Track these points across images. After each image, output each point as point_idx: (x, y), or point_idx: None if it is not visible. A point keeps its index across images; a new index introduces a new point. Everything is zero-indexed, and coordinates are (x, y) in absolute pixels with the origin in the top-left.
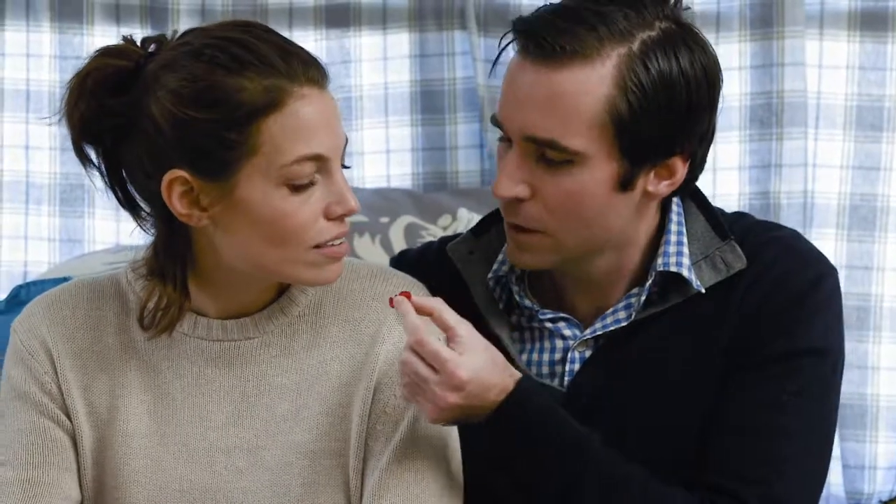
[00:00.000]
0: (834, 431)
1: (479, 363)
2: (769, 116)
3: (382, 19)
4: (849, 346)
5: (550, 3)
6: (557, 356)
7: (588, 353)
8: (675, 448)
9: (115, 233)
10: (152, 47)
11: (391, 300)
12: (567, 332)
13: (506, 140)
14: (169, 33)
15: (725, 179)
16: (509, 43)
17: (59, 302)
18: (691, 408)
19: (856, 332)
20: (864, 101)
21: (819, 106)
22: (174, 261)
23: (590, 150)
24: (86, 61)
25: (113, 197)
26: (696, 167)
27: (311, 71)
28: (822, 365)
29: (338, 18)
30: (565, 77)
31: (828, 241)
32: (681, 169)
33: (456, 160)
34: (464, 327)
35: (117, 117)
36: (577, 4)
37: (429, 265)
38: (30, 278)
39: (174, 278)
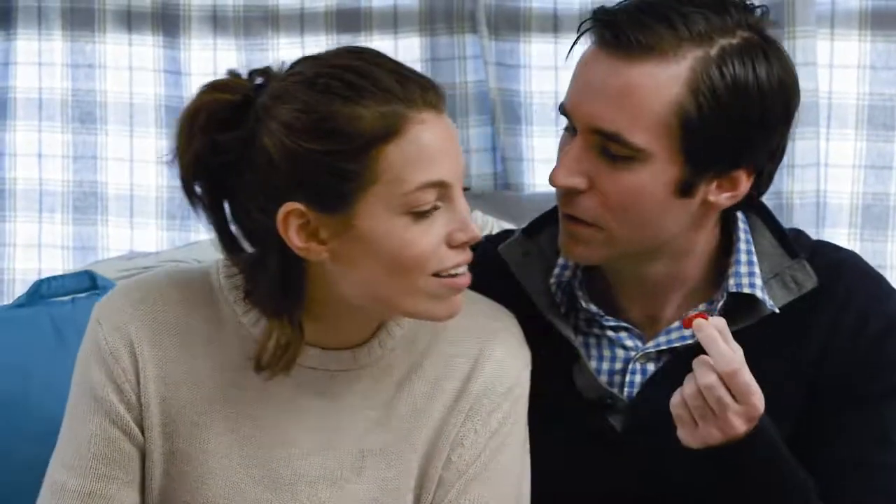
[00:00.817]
0: None
1: (761, 392)
2: None
3: (393, 23)
4: None
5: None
6: (618, 366)
7: (650, 367)
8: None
9: (128, 240)
10: (259, 80)
11: (685, 321)
12: (629, 343)
13: (570, 129)
14: (275, 65)
15: None
16: (586, 30)
17: (149, 297)
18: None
19: None
20: (875, 100)
21: (831, 105)
22: (290, 298)
23: (653, 148)
24: (194, 98)
25: (216, 236)
26: (762, 183)
27: (428, 95)
28: None
29: (349, 23)
30: (639, 71)
31: (840, 241)
32: (744, 182)
33: (469, 163)
34: (741, 354)
35: (229, 153)
36: (660, 2)
37: (480, 265)
38: None
39: (291, 316)
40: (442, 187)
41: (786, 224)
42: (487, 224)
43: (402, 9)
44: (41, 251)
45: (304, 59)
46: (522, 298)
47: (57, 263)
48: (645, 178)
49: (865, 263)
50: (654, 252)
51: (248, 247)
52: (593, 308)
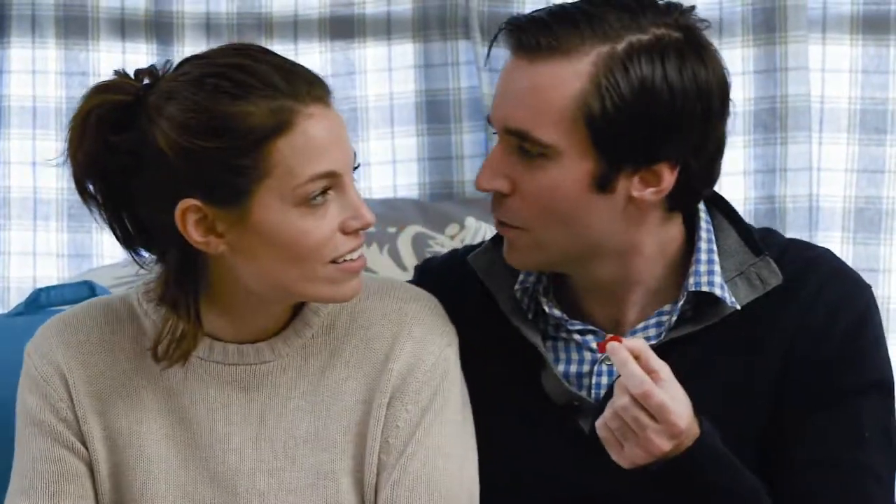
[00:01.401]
0: None
1: (687, 411)
2: (773, 121)
3: (387, 30)
4: None
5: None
6: (585, 368)
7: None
8: None
9: (122, 247)
10: (146, 80)
11: (600, 346)
12: (595, 345)
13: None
14: (159, 63)
15: (730, 184)
16: (495, 37)
17: (74, 325)
18: (731, 432)
19: None
20: (867, 104)
21: (823, 110)
22: (187, 291)
23: (561, 144)
24: (83, 100)
25: (112, 233)
26: (696, 179)
27: (315, 89)
28: (888, 397)
29: (342, 30)
30: (542, 70)
31: (833, 245)
32: (668, 177)
33: (462, 169)
34: (666, 371)
35: (123, 154)
36: (572, 5)
37: (454, 273)
38: None
39: (187, 308)
40: (333, 177)
41: (779, 229)
42: (480, 230)
43: (395, 15)
44: (36, 259)
45: (190, 59)
46: (492, 306)
47: (52, 271)
48: (558, 175)
49: (838, 261)
50: (594, 252)
51: (143, 244)
52: (557, 313)
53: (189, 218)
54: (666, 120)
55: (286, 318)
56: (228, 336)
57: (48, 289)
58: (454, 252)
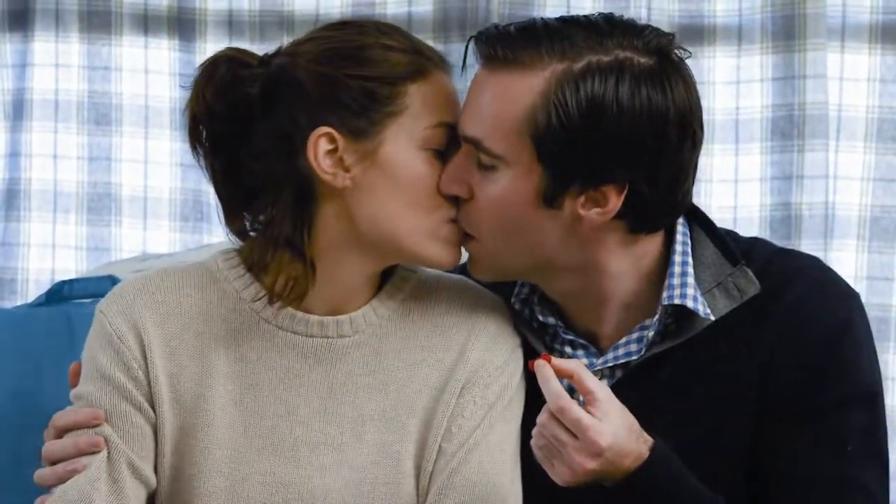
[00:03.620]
0: (889, 470)
1: (617, 430)
2: (791, 128)
3: (408, 30)
4: None
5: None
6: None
7: (604, 383)
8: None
9: (141, 241)
10: (274, 52)
11: (531, 363)
12: (584, 361)
13: None
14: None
15: (747, 191)
16: (466, 47)
17: (151, 287)
18: (717, 445)
19: (876, 343)
20: (885, 113)
21: (840, 118)
22: (303, 228)
23: (510, 156)
24: (213, 55)
25: (215, 187)
26: (653, 206)
27: (445, 61)
28: (875, 407)
29: None
30: (499, 80)
31: (849, 253)
32: (614, 199)
33: None
34: (603, 391)
35: (253, 89)
36: (542, 21)
37: None
38: None
39: (303, 249)
40: (453, 133)
41: (794, 236)
42: None
43: (416, 16)
44: (55, 251)
45: (325, 24)
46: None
47: (70, 264)
48: (507, 186)
49: (824, 271)
50: (550, 267)
51: (247, 202)
52: (551, 320)
53: (321, 147)
54: (612, 142)
55: (368, 295)
56: (311, 308)
57: (71, 281)
58: (463, 266)
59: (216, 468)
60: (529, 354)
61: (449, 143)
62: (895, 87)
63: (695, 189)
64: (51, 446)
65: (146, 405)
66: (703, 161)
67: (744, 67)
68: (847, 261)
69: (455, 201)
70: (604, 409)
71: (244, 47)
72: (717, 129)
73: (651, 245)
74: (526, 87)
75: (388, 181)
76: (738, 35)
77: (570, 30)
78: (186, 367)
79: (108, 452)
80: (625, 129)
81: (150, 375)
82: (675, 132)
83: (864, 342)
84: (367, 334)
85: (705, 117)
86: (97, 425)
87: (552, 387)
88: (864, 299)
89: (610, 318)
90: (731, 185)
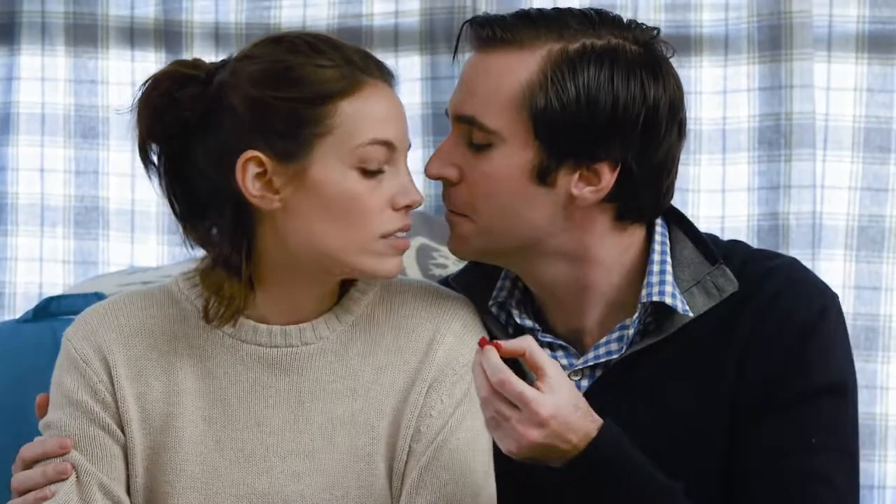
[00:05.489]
0: (858, 468)
1: (561, 402)
2: (777, 138)
3: (394, 42)
4: (858, 366)
5: None
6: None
7: (584, 383)
8: (680, 481)
9: (128, 255)
10: (221, 63)
11: (481, 342)
12: (563, 362)
13: None
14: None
15: (734, 201)
16: (459, 34)
17: (114, 310)
18: (696, 443)
19: (864, 352)
20: (871, 122)
21: (827, 128)
22: (239, 249)
23: (506, 132)
24: (158, 70)
25: (169, 202)
26: (641, 187)
27: (382, 70)
28: (842, 403)
29: (350, 41)
30: (494, 59)
31: (836, 262)
32: (607, 176)
33: None
34: (553, 368)
35: (187, 109)
36: (537, 8)
37: None
38: None
39: (239, 268)
40: (390, 148)
41: (782, 246)
42: None
43: (402, 27)
44: (42, 265)
45: (264, 38)
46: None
47: (58, 278)
48: (501, 162)
49: (801, 271)
50: (538, 249)
51: (198, 216)
52: (528, 322)
53: (249, 170)
54: (607, 121)
55: (328, 305)
56: (272, 318)
57: (58, 297)
58: (444, 281)
59: (190, 484)
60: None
61: (384, 160)
62: (882, 96)
63: (682, 199)
64: (20, 477)
65: (114, 427)
66: (691, 171)
67: (730, 77)
68: (835, 270)
69: (398, 212)
70: (552, 384)
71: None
72: (704, 138)
73: (634, 239)
74: (523, 65)
75: (317, 202)
76: (724, 45)
77: (564, 16)
78: (153, 386)
79: (78, 476)
80: (619, 109)
81: (118, 397)
82: (666, 117)
83: (836, 338)
84: (332, 340)
85: (692, 127)
86: (65, 453)
87: (492, 362)
88: (851, 309)
89: (592, 314)
90: (718, 195)
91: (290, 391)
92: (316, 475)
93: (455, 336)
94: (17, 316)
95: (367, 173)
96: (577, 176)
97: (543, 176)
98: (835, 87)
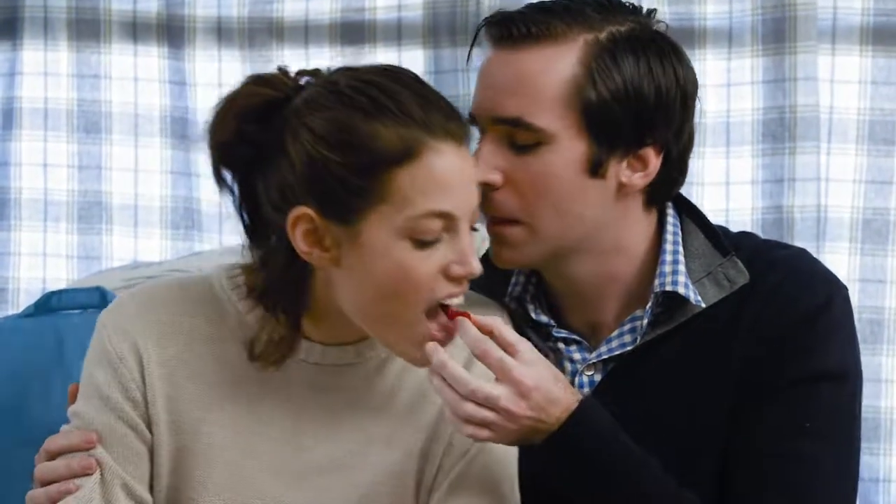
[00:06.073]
0: (858, 458)
1: (542, 374)
2: (782, 131)
3: (397, 36)
4: (863, 359)
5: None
6: (567, 380)
7: (597, 377)
8: (690, 473)
9: (132, 249)
10: (304, 80)
11: (451, 312)
12: (577, 356)
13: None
14: (325, 69)
15: (738, 194)
16: (476, 34)
17: (153, 304)
18: (706, 432)
19: (869, 345)
20: (876, 115)
21: (831, 120)
22: (289, 298)
23: (556, 128)
24: (237, 86)
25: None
26: (674, 167)
27: (450, 125)
28: (841, 390)
29: (353, 35)
30: (532, 56)
31: (841, 255)
32: (653, 161)
33: None
34: (524, 344)
35: (253, 146)
36: (551, 1)
37: None
38: None
39: (287, 315)
40: (448, 219)
41: (786, 239)
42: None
43: (405, 21)
44: (46, 260)
45: (344, 69)
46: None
47: (61, 273)
48: (553, 161)
49: (809, 262)
50: (580, 246)
51: (262, 240)
52: (543, 318)
53: (300, 226)
54: (653, 104)
55: None
56: (315, 338)
57: (59, 292)
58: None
59: (215, 490)
60: None
61: (443, 229)
62: (886, 89)
63: (686, 192)
64: (43, 468)
65: (142, 426)
66: (695, 164)
67: (734, 70)
68: (839, 263)
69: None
70: (526, 358)
71: (233, 54)
72: (707, 132)
73: (651, 226)
74: (562, 59)
75: (365, 267)
76: (728, 38)
77: (581, 5)
78: (186, 388)
79: (102, 474)
80: (662, 92)
81: (148, 397)
82: (692, 95)
83: (841, 326)
84: (373, 360)
85: (697, 120)
86: (90, 448)
87: (472, 334)
88: (856, 302)
89: (611, 306)
90: (722, 188)
91: (327, 406)
92: (347, 489)
93: None
94: (21, 310)
95: (421, 244)
96: (625, 164)
97: (596, 168)
98: (839, 80)
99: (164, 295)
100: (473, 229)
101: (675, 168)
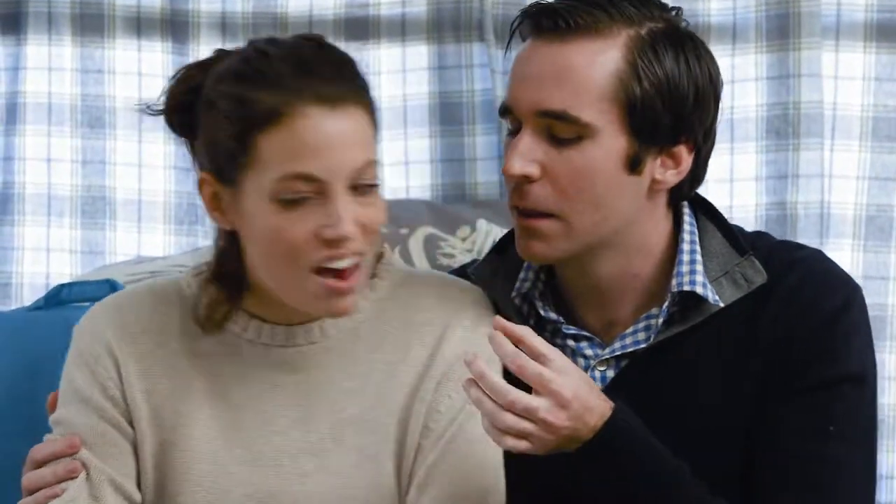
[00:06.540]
0: (876, 457)
1: (577, 383)
2: (785, 127)
3: (401, 31)
4: None
5: None
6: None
7: (609, 373)
8: (705, 473)
9: (136, 245)
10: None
11: (495, 323)
12: (589, 352)
13: (513, 133)
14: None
15: (742, 190)
16: (519, 23)
17: (124, 306)
18: (721, 433)
19: (874, 342)
20: (880, 112)
21: (835, 117)
22: (227, 262)
23: (599, 123)
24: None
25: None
26: (700, 167)
27: (325, 89)
28: (862, 392)
29: (357, 31)
30: (577, 49)
31: (844, 252)
32: (686, 158)
33: (475, 171)
34: (555, 352)
35: (190, 129)
36: None
37: None
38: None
39: (228, 277)
40: (315, 181)
41: (790, 236)
42: (492, 232)
43: (409, 17)
44: (49, 255)
45: (259, 40)
46: (499, 315)
47: (65, 268)
48: (595, 155)
49: (824, 262)
50: (609, 242)
51: None
52: (552, 315)
53: (205, 190)
54: (692, 101)
55: None
56: (278, 319)
57: (70, 284)
58: (460, 270)
59: (198, 483)
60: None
61: (312, 191)
62: (890, 85)
63: None
64: (30, 476)
65: (124, 423)
66: None
67: (738, 66)
68: (843, 260)
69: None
70: (558, 366)
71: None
72: None
73: (670, 224)
74: (606, 54)
75: (250, 232)
76: (732, 34)
77: (620, 0)
78: (162, 383)
79: (88, 474)
80: (698, 88)
81: (127, 394)
82: (719, 96)
83: (858, 329)
84: (340, 339)
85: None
86: (75, 452)
87: (507, 349)
88: None
89: (628, 304)
90: (726, 185)
91: (298, 390)
92: (324, 475)
93: (465, 329)
94: (25, 305)
95: (286, 204)
96: (659, 161)
97: (635, 164)
98: (843, 77)
99: (134, 298)
100: (371, 185)
101: (702, 167)
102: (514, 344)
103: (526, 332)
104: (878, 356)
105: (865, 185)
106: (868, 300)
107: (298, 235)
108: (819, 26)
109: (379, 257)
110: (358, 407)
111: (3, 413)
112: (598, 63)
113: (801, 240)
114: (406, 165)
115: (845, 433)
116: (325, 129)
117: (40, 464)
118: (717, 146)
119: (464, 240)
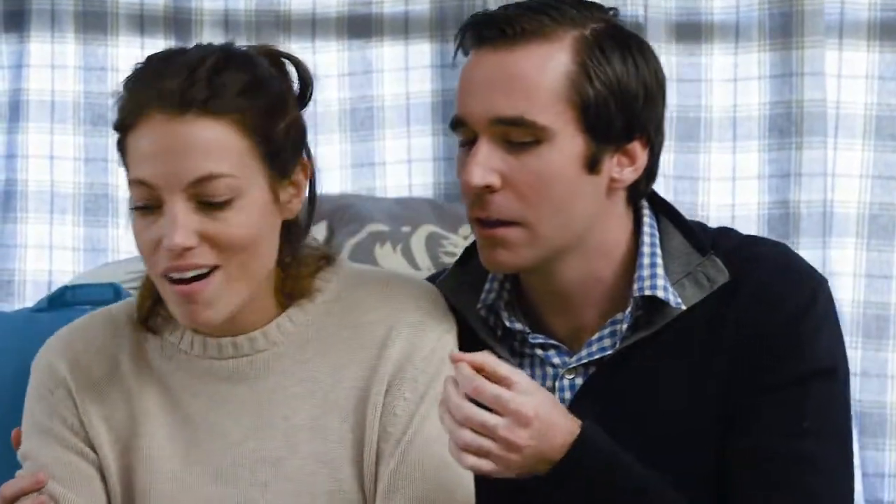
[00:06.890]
0: (852, 450)
1: (540, 400)
2: (788, 126)
3: (404, 29)
4: (868, 354)
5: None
6: (548, 384)
7: (578, 381)
8: (679, 477)
9: None
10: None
11: (451, 357)
12: (556, 360)
13: (465, 145)
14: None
15: (745, 189)
16: (463, 35)
17: (75, 335)
18: (689, 436)
19: (875, 340)
20: (883, 110)
21: (838, 115)
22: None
23: (556, 125)
24: None
25: None
26: (654, 162)
27: (168, 97)
28: (833, 385)
29: (360, 28)
30: (525, 55)
31: (847, 251)
32: (641, 154)
33: None
34: (518, 375)
35: None
36: (531, 1)
37: None
38: (54, 288)
39: (147, 278)
40: (149, 188)
41: (792, 234)
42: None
43: (412, 15)
44: (52, 253)
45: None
46: (466, 327)
47: (68, 265)
48: (554, 158)
49: (789, 256)
50: (571, 246)
51: None
52: (518, 326)
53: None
54: (643, 98)
55: (274, 311)
56: (221, 331)
57: (73, 287)
58: (432, 278)
59: (163, 502)
60: (476, 344)
61: (152, 200)
62: (893, 84)
63: (692, 187)
64: None
65: (87, 449)
66: (701, 159)
67: (741, 65)
68: (845, 259)
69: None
70: (523, 387)
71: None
72: (714, 126)
73: (629, 225)
74: (556, 57)
75: None
76: (735, 32)
77: (560, 3)
78: (118, 408)
79: None
80: (647, 85)
81: (84, 421)
82: (665, 89)
83: (825, 322)
84: (286, 345)
85: (703, 115)
86: (40, 488)
87: (465, 373)
88: (862, 297)
89: (593, 310)
90: (728, 184)
91: (249, 400)
92: (282, 483)
93: (412, 328)
94: (27, 303)
95: (139, 211)
96: (615, 160)
97: (593, 164)
98: (846, 75)
99: (89, 324)
100: (212, 203)
101: (655, 162)
102: (477, 371)
103: (486, 360)
104: (879, 354)
105: (868, 184)
106: (871, 299)
107: (144, 243)
108: (822, 25)
109: (328, 260)
110: (309, 412)
111: (4, 414)
112: (548, 67)
113: (804, 238)
114: (409, 163)
115: (820, 428)
116: (163, 135)
117: (10, 501)
118: (719, 144)
119: (466, 238)
